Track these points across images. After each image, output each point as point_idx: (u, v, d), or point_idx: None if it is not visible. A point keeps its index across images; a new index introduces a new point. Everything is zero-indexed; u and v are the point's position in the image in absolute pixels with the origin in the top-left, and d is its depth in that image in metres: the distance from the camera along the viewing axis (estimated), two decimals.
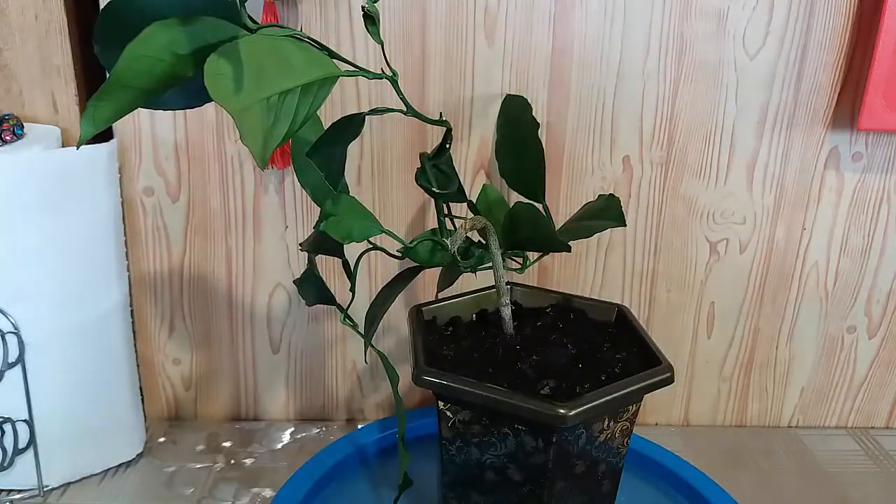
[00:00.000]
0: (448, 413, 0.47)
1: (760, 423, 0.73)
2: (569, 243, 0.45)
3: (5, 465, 0.57)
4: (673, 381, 0.46)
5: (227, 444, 0.66)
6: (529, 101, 0.59)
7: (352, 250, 0.47)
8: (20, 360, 0.55)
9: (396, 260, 0.47)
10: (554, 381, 0.46)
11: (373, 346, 0.49)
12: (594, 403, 0.42)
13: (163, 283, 0.66)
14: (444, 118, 0.47)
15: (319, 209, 0.41)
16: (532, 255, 0.54)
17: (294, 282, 0.54)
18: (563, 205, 0.65)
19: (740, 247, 0.66)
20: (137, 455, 0.64)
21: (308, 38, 0.38)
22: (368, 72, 0.41)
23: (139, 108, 0.33)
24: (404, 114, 0.44)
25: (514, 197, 0.55)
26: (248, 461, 0.64)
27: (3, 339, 0.54)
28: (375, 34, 0.41)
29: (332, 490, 0.58)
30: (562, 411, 0.41)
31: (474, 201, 0.54)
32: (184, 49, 0.33)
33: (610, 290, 0.67)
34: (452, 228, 0.51)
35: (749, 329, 0.69)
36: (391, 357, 0.53)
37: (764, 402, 0.72)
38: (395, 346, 0.69)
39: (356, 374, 0.70)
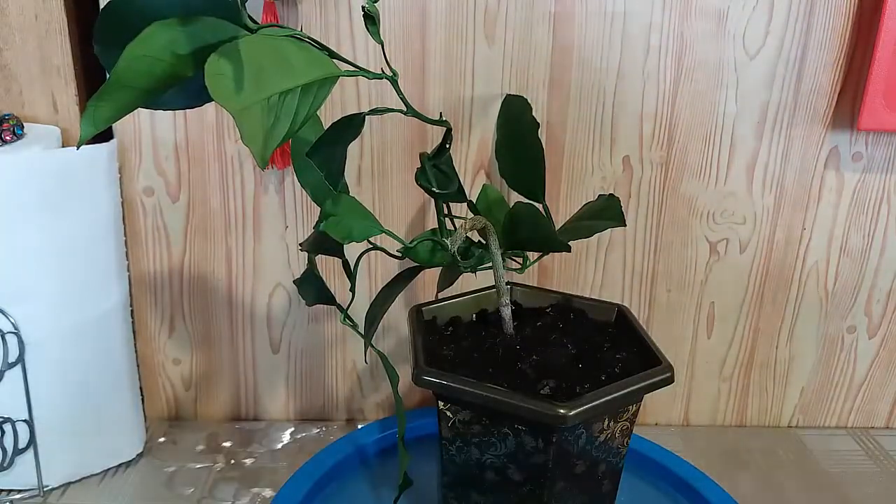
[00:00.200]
0: (448, 413, 0.47)
1: (760, 423, 0.73)
2: (569, 243, 0.45)
3: (5, 465, 0.57)
4: (673, 381, 0.46)
5: (227, 444, 0.66)
6: (529, 101, 0.59)
7: (352, 250, 0.47)
8: (20, 360, 0.55)
9: (396, 260, 0.47)
10: (554, 381, 0.46)
11: (373, 346, 0.49)
12: (594, 403, 0.42)
13: (163, 283, 0.66)
14: (444, 118, 0.47)
15: (319, 209, 0.41)
16: (532, 255, 0.54)
17: (294, 282, 0.54)
18: (563, 205, 0.65)
19: (740, 247, 0.66)
20: (137, 455, 0.64)
21: (308, 38, 0.38)
22: (368, 72, 0.41)
23: (139, 108, 0.33)
24: (404, 114, 0.44)
25: (514, 197, 0.55)
26: (248, 461, 0.64)
27: (3, 339, 0.54)
28: (375, 34, 0.41)
29: (332, 490, 0.58)
30: (562, 411, 0.41)
31: (474, 201, 0.54)
32: (184, 49, 0.33)
33: (610, 290, 0.67)
34: (452, 228, 0.51)
35: (749, 329, 0.69)
36: (391, 357, 0.53)
37: (764, 402, 0.72)
38: (395, 346, 0.69)
39: (356, 374, 0.70)
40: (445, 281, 0.54)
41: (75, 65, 0.58)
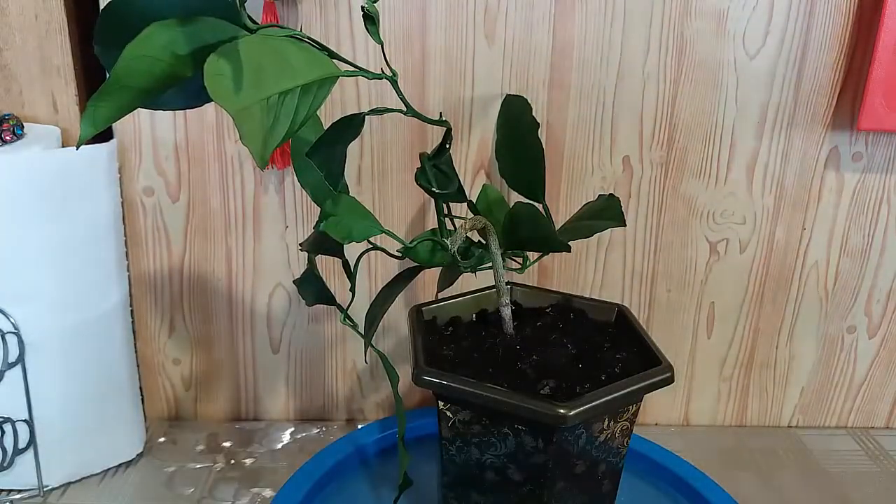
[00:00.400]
0: (448, 413, 0.47)
1: (760, 423, 0.73)
2: (569, 243, 0.45)
3: (5, 465, 0.57)
4: (673, 381, 0.46)
5: (227, 444, 0.66)
6: (529, 101, 0.59)
7: (352, 250, 0.47)
8: (20, 360, 0.55)
9: (396, 260, 0.47)
10: (554, 381, 0.46)
11: (373, 346, 0.49)
12: (594, 403, 0.42)
13: (163, 283, 0.66)
14: (444, 118, 0.47)
15: (319, 209, 0.41)
16: (532, 255, 0.54)
17: (294, 282, 0.54)
18: (563, 205, 0.65)
19: (740, 247, 0.66)
20: (137, 455, 0.64)
21: (308, 38, 0.38)
22: (368, 72, 0.41)
23: (139, 108, 0.33)
24: (404, 114, 0.44)
25: (514, 197, 0.55)
26: (248, 461, 0.64)
27: (3, 339, 0.54)
28: (375, 34, 0.41)
29: (332, 490, 0.58)
30: (562, 411, 0.41)
31: (474, 201, 0.54)
32: (183, 49, 0.33)
33: (610, 290, 0.67)
34: (452, 228, 0.51)
35: (749, 329, 0.69)
36: (391, 357, 0.53)
37: (764, 402, 0.72)
38: (395, 346, 0.69)
39: (356, 374, 0.70)
40: (445, 281, 0.54)
41: (75, 65, 0.58)
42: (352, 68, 0.40)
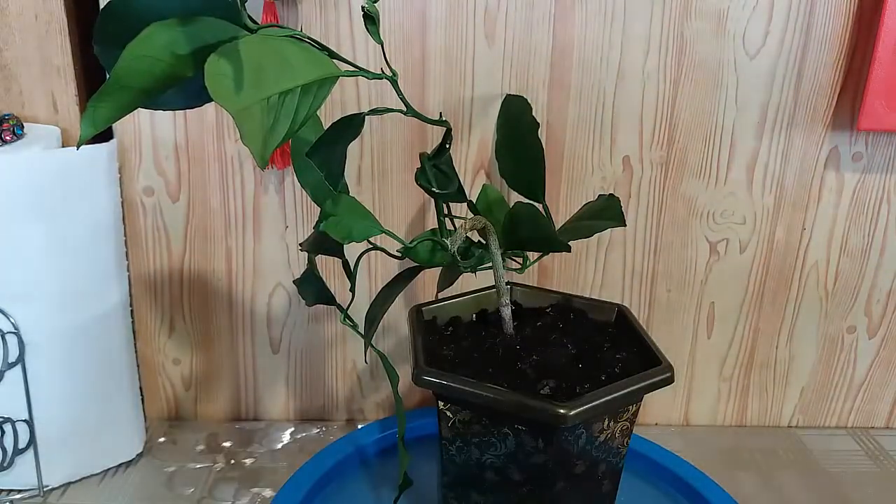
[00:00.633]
0: (448, 413, 0.47)
1: (760, 423, 0.73)
2: (569, 243, 0.45)
3: (5, 465, 0.57)
4: (673, 381, 0.46)
5: (227, 444, 0.66)
6: (529, 101, 0.59)
7: (352, 250, 0.47)
8: (20, 360, 0.55)
9: (396, 260, 0.47)
10: (554, 381, 0.46)
11: (373, 346, 0.49)
12: (594, 403, 0.42)
13: (163, 283, 0.66)
14: (444, 118, 0.47)
15: (319, 209, 0.41)
16: (532, 255, 0.54)
17: (294, 282, 0.54)
18: (563, 205, 0.65)
19: (740, 247, 0.66)
20: (137, 455, 0.64)
21: (308, 38, 0.38)
22: (368, 72, 0.41)
23: (139, 108, 0.33)
24: (404, 114, 0.44)
25: (514, 197, 0.55)
26: (248, 461, 0.64)
27: (3, 339, 0.54)
28: (375, 34, 0.41)
29: (332, 490, 0.58)
30: (562, 411, 0.41)
31: (474, 201, 0.54)
32: (183, 49, 0.33)
33: (610, 290, 0.67)
34: (452, 228, 0.51)
35: (749, 329, 0.69)
36: (391, 357, 0.53)
37: (764, 402, 0.72)
38: (395, 346, 0.69)
39: (356, 374, 0.70)
40: (445, 281, 0.54)
41: (75, 65, 0.58)
42: (352, 68, 0.40)
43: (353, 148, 0.60)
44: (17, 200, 0.52)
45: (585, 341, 0.51)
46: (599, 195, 0.51)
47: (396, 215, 0.64)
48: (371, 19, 0.40)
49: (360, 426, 0.68)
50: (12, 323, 0.54)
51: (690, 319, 0.69)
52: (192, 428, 0.69)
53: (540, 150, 0.54)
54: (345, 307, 0.50)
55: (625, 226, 0.48)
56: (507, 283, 0.52)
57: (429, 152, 0.49)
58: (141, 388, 0.66)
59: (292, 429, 0.69)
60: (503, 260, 0.50)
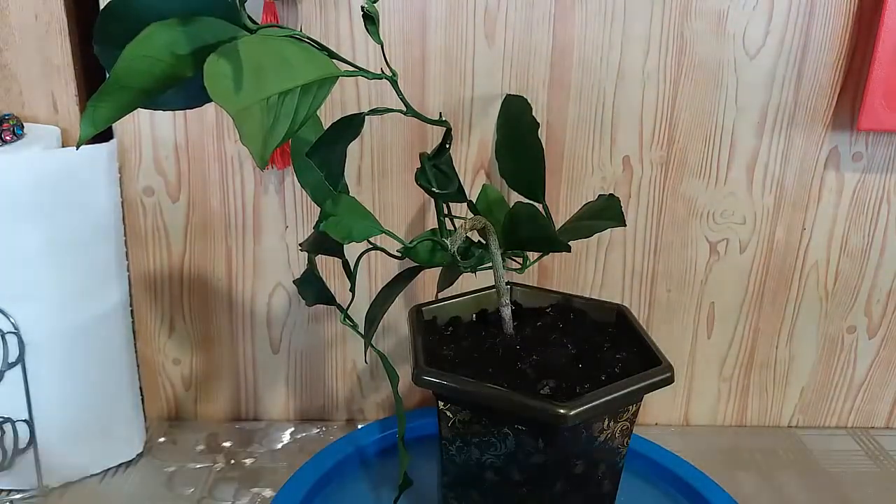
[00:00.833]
0: (448, 413, 0.47)
1: (760, 423, 0.73)
2: (569, 243, 0.45)
3: (5, 465, 0.57)
4: (673, 381, 0.46)
5: (227, 444, 0.66)
6: (529, 101, 0.59)
7: (352, 250, 0.47)
8: (20, 360, 0.55)
9: (396, 260, 0.47)
10: (554, 381, 0.45)
11: (373, 346, 0.49)
12: (594, 403, 0.42)
13: (163, 283, 0.66)
14: (443, 118, 0.47)
15: (319, 209, 0.41)
16: (532, 255, 0.54)
17: (294, 282, 0.54)
18: (563, 205, 0.65)
19: (740, 247, 0.66)
20: (137, 455, 0.64)
21: (308, 38, 0.38)
22: (368, 72, 0.41)
23: (139, 108, 0.33)
24: (404, 114, 0.44)
25: (514, 197, 0.55)
26: (248, 461, 0.64)
27: (3, 339, 0.54)
28: (375, 34, 0.41)
29: (332, 490, 0.58)
30: (562, 411, 0.41)
31: (474, 201, 0.54)
32: (183, 49, 0.33)
33: (610, 290, 0.67)
34: (452, 228, 0.51)
35: (749, 329, 0.69)
36: (391, 357, 0.53)
37: (764, 402, 0.72)
38: (395, 346, 0.69)
39: (356, 374, 0.70)
40: (445, 281, 0.54)
41: (75, 65, 0.58)
42: (352, 68, 0.40)
43: (353, 148, 0.60)
44: (17, 200, 0.52)
45: (585, 341, 0.51)
46: (599, 195, 0.51)
47: (396, 215, 0.64)
48: (371, 19, 0.40)
49: (360, 426, 0.68)
50: (12, 323, 0.54)
51: (690, 319, 0.69)
52: (192, 428, 0.69)
53: (540, 150, 0.54)
54: (345, 307, 0.50)
55: (625, 226, 0.48)
56: (507, 283, 0.52)
57: (429, 152, 0.49)
58: (141, 388, 0.66)
59: (292, 429, 0.69)
60: (503, 260, 0.50)
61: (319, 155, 0.43)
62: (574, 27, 0.60)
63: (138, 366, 0.65)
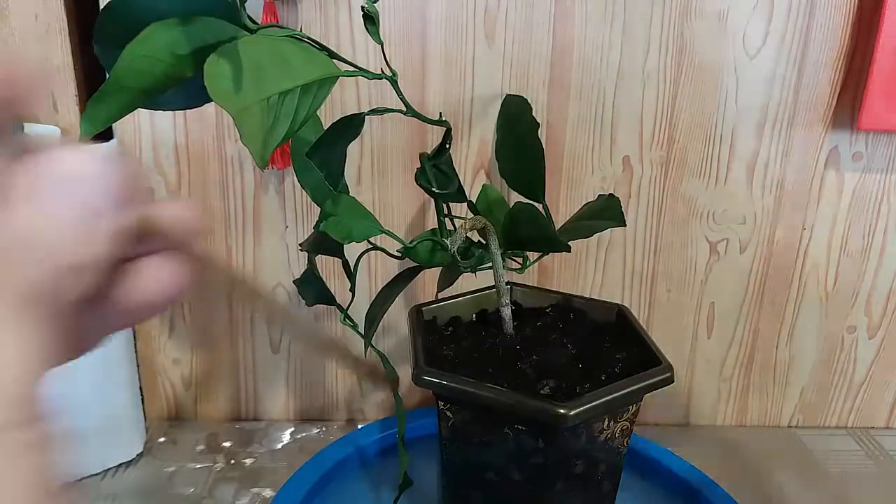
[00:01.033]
0: (448, 413, 0.47)
1: (760, 423, 0.73)
2: (569, 243, 0.45)
3: None
4: (673, 381, 0.46)
5: (227, 444, 0.66)
6: (529, 101, 0.59)
7: (352, 250, 0.47)
8: None
9: (396, 260, 0.47)
10: (554, 381, 0.45)
11: (373, 346, 0.49)
12: (594, 403, 0.42)
13: None
14: (443, 118, 0.47)
15: (319, 209, 0.41)
16: (532, 255, 0.54)
17: (294, 282, 0.54)
18: (563, 205, 0.64)
19: (740, 247, 0.66)
20: (137, 455, 0.64)
21: (308, 38, 0.38)
22: (368, 72, 0.41)
23: (139, 108, 0.33)
24: (404, 114, 0.44)
25: (514, 197, 0.55)
26: (248, 461, 0.64)
27: None
28: (375, 34, 0.41)
29: (332, 490, 0.58)
30: (562, 411, 0.41)
31: (474, 201, 0.54)
32: (183, 49, 0.32)
33: (610, 290, 0.67)
34: (452, 228, 0.51)
35: (749, 329, 0.69)
36: (391, 357, 0.53)
37: (764, 402, 0.72)
38: (395, 346, 0.69)
39: (356, 374, 0.70)
40: (445, 281, 0.54)
41: (75, 65, 0.58)
42: (352, 68, 0.40)
43: (353, 148, 0.59)
44: None
45: (585, 341, 0.51)
46: (599, 195, 0.51)
47: (396, 215, 0.64)
48: (371, 19, 0.40)
49: (360, 426, 0.68)
50: None
51: (690, 319, 0.69)
52: (192, 428, 0.69)
53: (540, 150, 0.54)
54: (345, 307, 0.50)
55: (625, 226, 0.48)
56: (507, 283, 0.52)
57: (429, 152, 0.49)
58: (141, 388, 0.66)
59: (292, 429, 0.69)
60: (503, 260, 0.50)
61: (319, 155, 0.43)
62: (574, 27, 0.60)
63: (138, 366, 0.65)
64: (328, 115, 0.60)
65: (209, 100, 0.31)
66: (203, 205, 0.63)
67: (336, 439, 0.63)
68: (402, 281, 0.51)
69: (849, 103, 0.62)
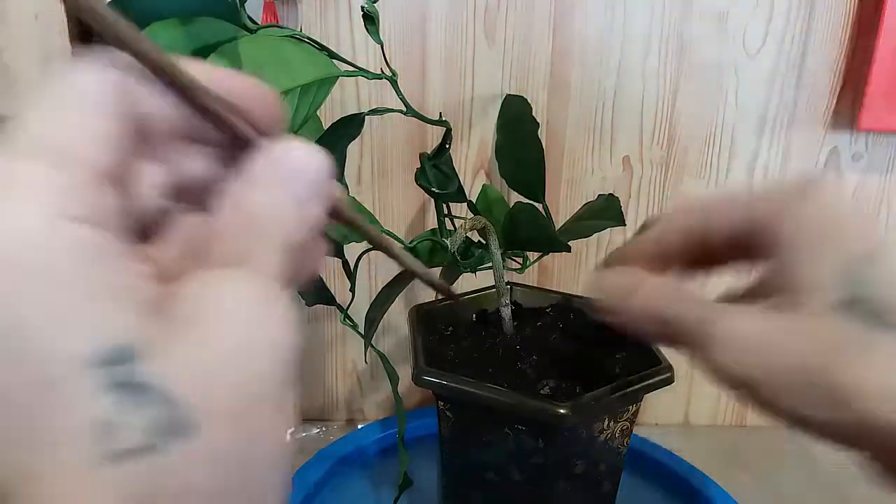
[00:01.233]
0: (448, 413, 0.47)
1: (760, 423, 0.73)
2: (569, 243, 0.45)
3: None
4: (673, 381, 0.46)
5: None
6: (529, 101, 0.59)
7: (352, 250, 0.47)
8: None
9: None
10: (554, 381, 0.45)
11: (373, 346, 0.49)
12: (594, 403, 0.42)
13: None
14: (444, 118, 0.47)
15: None
16: (532, 255, 0.54)
17: None
18: (563, 205, 0.65)
19: None
20: None
21: (308, 38, 0.38)
22: (368, 72, 0.41)
23: None
24: (404, 114, 0.44)
25: (514, 197, 0.55)
26: None
27: None
28: (375, 34, 0.41)
29: (331, 490, 0.58)
30: (562, 411, 0.41)
31: (474, 201, 0.54)
32: (183, 49, 0.33)
33: None
34: (452, 228, 0.51)
35: None
36: (391, 357, 0.53)
37: None
38: (395, 346, 0.69)
39: (356, 374, 0.70)
40: (445, 281, 0.54)
41: None
42: (352, 68, 0.40)
43: (353, 148, 0.59)
44: None
45: (585, 341, 0.51)
46: (599, 195, 0.51)
47: (396, 215, 0.64)
48: (371, 19, 0.40)
49: (360, 426, 0.68)
50: None
51: None
52: None
53: (540, 150, 0.54)
54: (345, 307, 0.50)
55: (624, 225, 0.48)
56: (507, 283, 0.52)
57: (429, 152, 0.49)
58: None
59: (292, 429, 0.69)
60: (503, 260, 0.50)
61: None
62: (574, 27, 0.60)
63: None
64: (328, 115, 0.60)
65: None
66: None
67: (336, 439, 0.63)
68: (402, 281, 0.51)
69: (849, 103, 0.62)
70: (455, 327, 0.54)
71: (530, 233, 0.47)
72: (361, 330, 0.50)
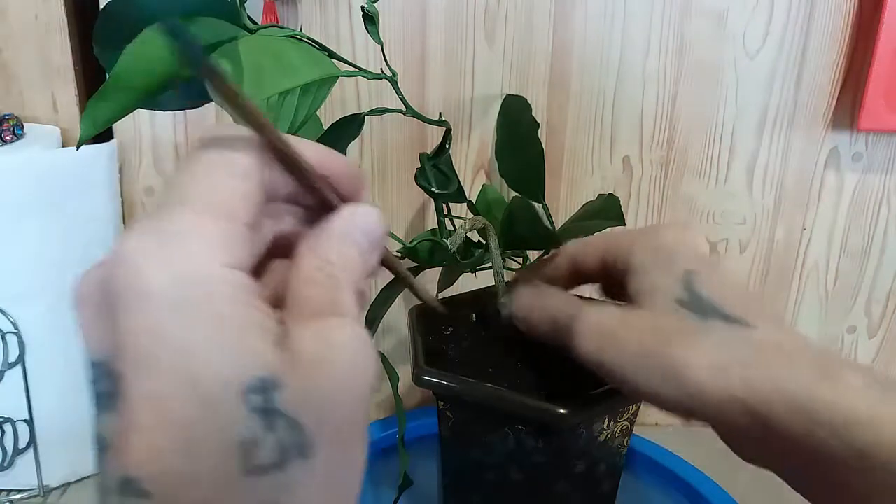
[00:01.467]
0: (448, 413, 0.47)
1: None
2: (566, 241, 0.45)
3: (5, 465, 0.57)
4: None
5: None
6: (529, 101, 0.59)
7: None
8: (20, 360, 0.55)
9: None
10: (554, 381, 0.45)
11: None
12: (594, 404, 0.42)
13: None
14: (443, 118, 0.47)
15: None
16: (532, 256, 0.54)
17: None
18: (563, 205, 0.65)
19: (740, 247, 0.66)
20: None
21: (308, 38, 0.38)
22: (368, 72, 0.41)
23: (139, 108, 0.33)
24: (404, 114, 0.44)
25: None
26: None
27: (3, 339, 0.54)
28: (375, 34, 0.41)
29: None
30: (562, 411, 0.41)
31: (474, 201, 0.54)
32: None
33: None
34: (452, 228, 0.51)
35: None
36: (391, 357, 0.53)
37: None
38: (395, 346, 0.69)
39: None
40: (445, 281, 0.54)
41: (75, 65, 0.58)
42: (352, 68, 0.40)
43: (353, 148, 0.60)
44: (17, 200, 0.52)
45: None
46: (599, 195, 0.51)
47: (396, 215, 0.64)
48: (371, 19, 0.40)
49: None
50: (12, 323, 0.54)
51: None
52: None
53: (540, 150, 0.54)
54: None
55: (624, 225, 0.48)
56: (507, 283, 0.52)
57: (429, 152, 0.49)
58: None
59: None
60: (503, 260, 0.50)
61: None
62: (574, 27, 0.60)
63: None
64: (328, 115, 0.60)
65: (209, 100, 0.31)
66: None
67: None
68: (402, 281, 0.51)
69: (849, 103, 0.62)
70: (455, 327, 0.54)
71: (528, 230, 0.47)
72: None
